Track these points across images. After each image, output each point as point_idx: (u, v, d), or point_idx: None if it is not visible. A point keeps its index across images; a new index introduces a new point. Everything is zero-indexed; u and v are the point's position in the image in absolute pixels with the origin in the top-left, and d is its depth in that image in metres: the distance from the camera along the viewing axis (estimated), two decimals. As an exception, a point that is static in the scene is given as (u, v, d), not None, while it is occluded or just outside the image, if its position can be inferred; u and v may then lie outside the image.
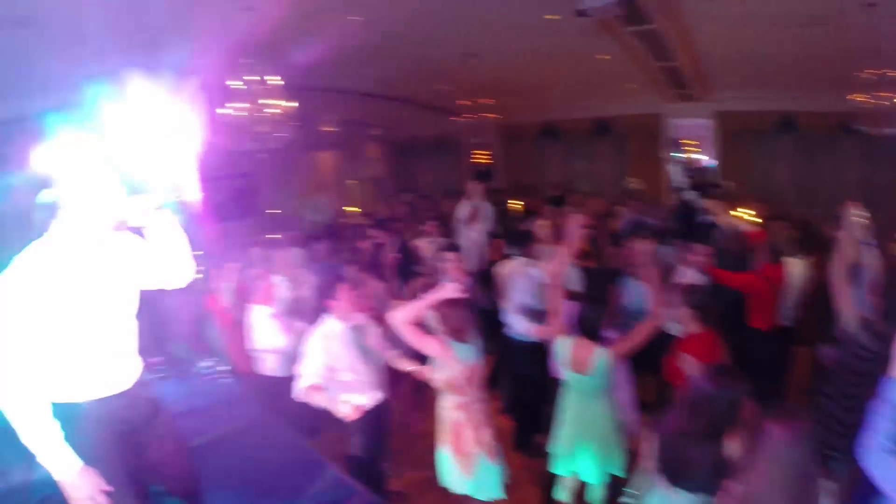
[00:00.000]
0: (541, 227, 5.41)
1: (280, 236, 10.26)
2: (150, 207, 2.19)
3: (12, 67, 5.82)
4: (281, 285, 4.75)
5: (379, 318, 3.77)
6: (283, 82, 6.79)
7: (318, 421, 4.26)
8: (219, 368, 4.97)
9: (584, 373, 3.31)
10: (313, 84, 8.06)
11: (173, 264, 2.33)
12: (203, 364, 5.17)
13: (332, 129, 10.50)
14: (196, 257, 2.38)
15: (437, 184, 11.56)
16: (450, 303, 3.15)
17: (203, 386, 4.50)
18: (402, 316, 3.11)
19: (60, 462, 2.00)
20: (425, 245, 6.27)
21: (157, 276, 2.35)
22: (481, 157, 12.10)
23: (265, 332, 4.50)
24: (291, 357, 4.18)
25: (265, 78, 6.81)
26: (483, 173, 10.81)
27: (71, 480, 2.01)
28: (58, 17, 4.95)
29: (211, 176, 8.08)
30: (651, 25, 5.49)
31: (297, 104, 7.04)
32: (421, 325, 3.20)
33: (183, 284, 2.43)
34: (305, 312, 4.43)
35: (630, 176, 9.75)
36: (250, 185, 10.26)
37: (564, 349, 3.39)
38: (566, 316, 3.51)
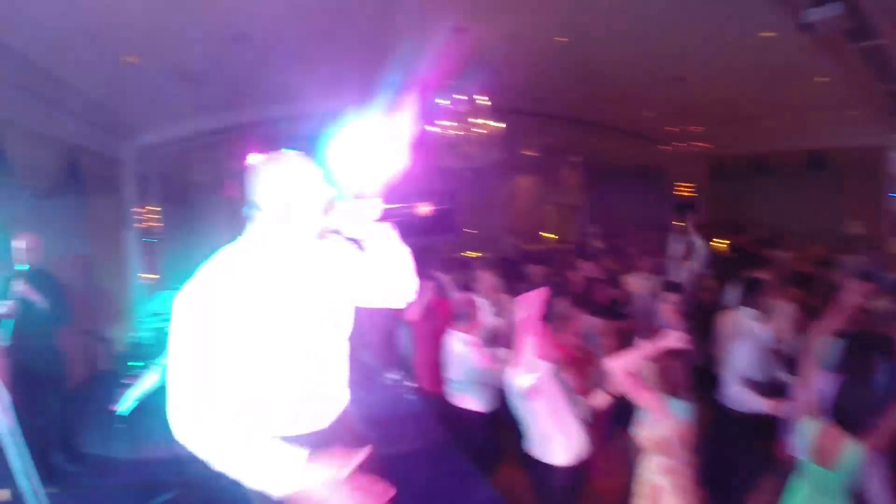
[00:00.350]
0: (769, 274, 4.60)
1: (479, 255, 10.44)
2: (367, 216, 1.89)
3: (229, 80, 6.43)
4: (483, 309, 4.54)
5: (584, 357, 3.42)
6: (489, 103, 6.77)
7: (497, 458, 4.03)
8: (406, 383, 4.94)
9: (828, 467, 2.63)
10: (518, 106, 8.01)
11: (393, 281, 2.02)
12: (390, 375, 5.18)
13: (533, 152, 10.34)
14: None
15: (636, 215, 10.89)
16: (671, 354, 2.84)
17: (386, 398, 4.48)
18: (622, 364, 2.87)
19: (284, 477, 1.61)
20: (638, 282, 5.75)
21: (374, 293, 2.04)
22: (685, 189, 11.21)
23: (462, 360, 4.10)
24: (487, 389, 3.99)
25: (474, 97, 6.85)
26: (687, 206, 9.93)
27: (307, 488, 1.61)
28: (273, 34, 5.35)
29: (415, 191, 8.31)
30: (879, 41, 4.81)
31: (503, 125, 6.97)
32: (637, 375, 2.90)
33: (402, 304, 2.13)
34: (506, 340, 4.05)
35: (849, 217, 8.48)
36: (451, 203, 10.44)
37: (807, 433, 2.73)
38: (815, 392, 2.87)
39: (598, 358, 3.57)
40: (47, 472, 3.44)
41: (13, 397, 2.67)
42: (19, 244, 4.28)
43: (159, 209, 8.03)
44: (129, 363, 5.16)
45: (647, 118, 9.21)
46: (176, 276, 2.29)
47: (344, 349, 1.95)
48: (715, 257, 7.09)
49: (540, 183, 11.43)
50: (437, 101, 6.97)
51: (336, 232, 1.90)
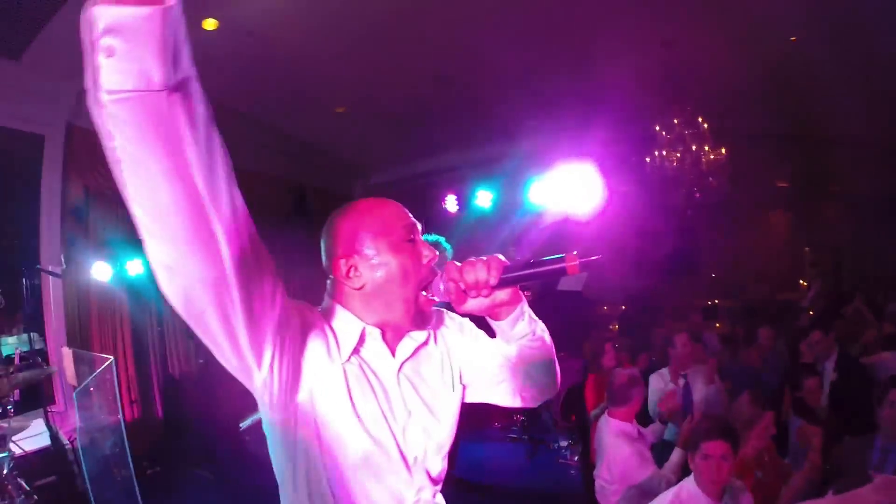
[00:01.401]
0: None
1: (716, 303, 9.46)
2: (488, 280, 1.28)
3: (440, 122, 6.94)
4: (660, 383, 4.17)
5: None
6: (712, 126, 6.24)
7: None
8: (574, 456, 4.54)
9: None
10: (756, 129, 7.22)
11: (528, 380, 1.52)
12: (562, 444, 4.83)
13: (783, 183, 9.12)
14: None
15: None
16: None
17: (549, 467, 4.14)
18: None
19: None
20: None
21: (495, 390, 1.55)
22: None
23: (610, 455, 3.32)
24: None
25: (699, 121, 6.40)
26: None
27: None
28: (477, 76, 5.64)
29: (639, 230, 7.95)
30: None
31: (723, 151, 6.34)
32: None
33: (534, 404, 1.61)
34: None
35: None
36: (686, 243, 9.68)
37: None
38: None
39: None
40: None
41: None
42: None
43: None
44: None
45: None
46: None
47: (445, 450, 1.42)
48: None
49: (794, 219, 9.99)
50: (656, 128, 6.67)
51: (444, 306, 1.44)
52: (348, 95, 6.53)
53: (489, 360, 1.51)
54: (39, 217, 5.71)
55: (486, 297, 1.31)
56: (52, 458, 4.40)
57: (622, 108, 5.91)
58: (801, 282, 9.79)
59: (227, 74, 5.55)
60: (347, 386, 1.25)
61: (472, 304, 1.33)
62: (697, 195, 7.28)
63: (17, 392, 4.15)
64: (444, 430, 1.40)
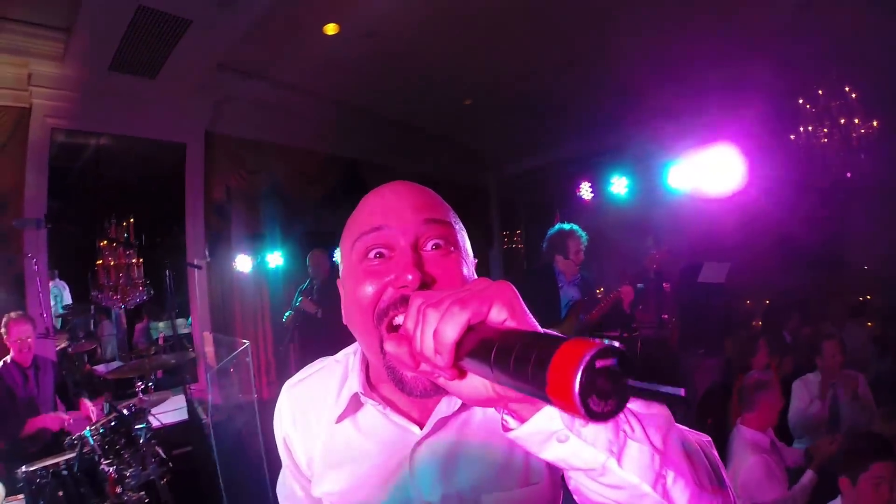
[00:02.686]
0: None
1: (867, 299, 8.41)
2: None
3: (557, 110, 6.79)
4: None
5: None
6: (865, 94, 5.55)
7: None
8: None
9: None
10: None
11: None
12: None
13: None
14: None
15: None
16: None
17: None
18: None
19: None
20: None
21: None
22: None
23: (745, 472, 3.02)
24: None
25: (847, 90, 5.72)
26: None
27: None
28: (610, 60, 5.44)
29: (783, 217, 7.28)
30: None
31: (875, 123, 5.62)
32: None
33: None
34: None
35: None
36: (838, 229, 8.68)
37: None
38: None
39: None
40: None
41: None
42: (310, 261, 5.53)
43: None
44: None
45: None
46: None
47: None
48: None
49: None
50: (800, 101, 6.05)
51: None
52: (475, 87, 6.57)
53: None
54: (185, 216, 6.28)
55: (448, 378, 0.66)
56: (189, 430, 4.83)
57: (763, 84, 5.43)
58: None
59: (351, 73, 5.77)
60: None
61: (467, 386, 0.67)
62: (848, 176, 6.52)
63: (160, 371, 4.57)
64: None
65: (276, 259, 6.63)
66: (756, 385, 3.12)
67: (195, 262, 5.91)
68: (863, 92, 5.58)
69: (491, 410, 0.93)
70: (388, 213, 0.92)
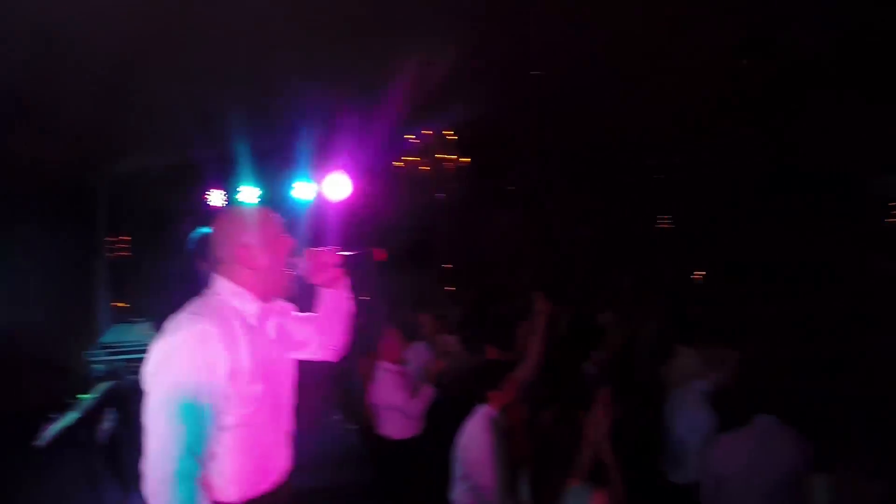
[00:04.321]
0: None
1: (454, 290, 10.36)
2: (326, 263, 1.92)
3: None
4: (420, 349, 4.71)
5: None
6: (456, 137, 6.81)
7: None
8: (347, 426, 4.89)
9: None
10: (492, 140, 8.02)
11: (331, 336, 2.06)
12: (334, 418, 5.13)
13: (512, 187, 10.36)
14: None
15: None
16: None
17: (327, 440, 4.43)
18: None
19: None
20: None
21: (308, 347, 2.03)
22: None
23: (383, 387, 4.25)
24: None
25: (443, 132, 6.91)
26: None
27: None
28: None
29: (389, 226, 8.17)
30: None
31: (469, 159, 7.00)
32: None
33: (334, 359, 2.15)
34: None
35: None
36: (428, 239, 10.39)
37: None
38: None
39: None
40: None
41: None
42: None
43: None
44: (78, 395, 5.11)
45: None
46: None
47: (292, 402, 1.91)
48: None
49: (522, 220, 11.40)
50: (404, 136, 7.04)
51: (299, 278, 1.90)
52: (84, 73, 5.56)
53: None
54: None
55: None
56: None
57: (381, 116, 6.09)
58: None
59: None
60: None
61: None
62: (440, 196, 7.91)
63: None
64: None
65: None
66: None
67: None
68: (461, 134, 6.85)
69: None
70: None
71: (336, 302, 2.03)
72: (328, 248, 1.92)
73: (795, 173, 8.04)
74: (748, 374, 3.37)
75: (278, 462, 1.81)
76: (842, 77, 5.56)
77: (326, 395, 5.02)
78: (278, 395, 1.81)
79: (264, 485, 1.73)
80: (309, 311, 2.06)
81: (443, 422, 3.55)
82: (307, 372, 2.05)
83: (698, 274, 10.37)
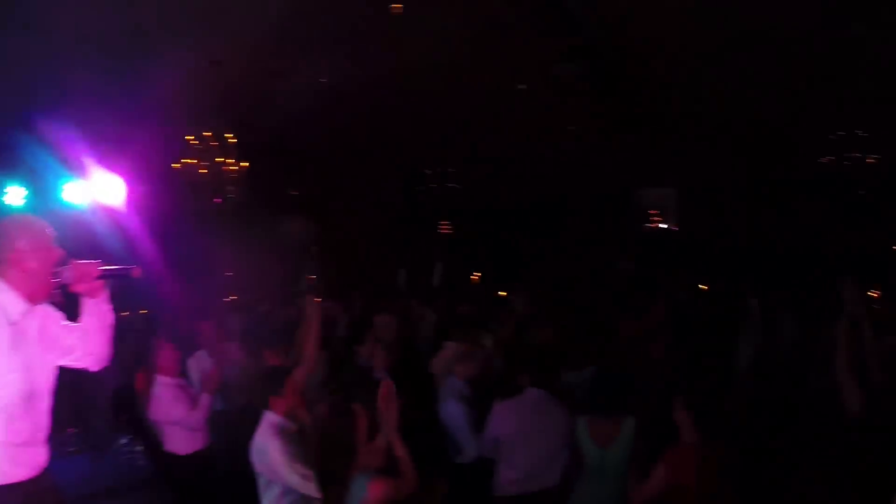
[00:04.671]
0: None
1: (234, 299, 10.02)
2: (88, 275, 2.05)
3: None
4: (201, 358, 4.66)
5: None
6: (236, 141, 6.76)
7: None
8: (136, 448, 4.68)
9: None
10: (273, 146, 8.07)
11: (92, 345, 2.15)
12: (121, 442, 4.87)
13: (293, 192, 10.43)
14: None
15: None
16: None
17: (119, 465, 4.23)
18: None
19: None
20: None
21: (72, 354, 2.15)
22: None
23: (163, 403, 4.11)
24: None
25: (225, 136, 6.82)
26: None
27: None
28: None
29: (168, 232, 7.71)
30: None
31: (247, 164, 6.97)
32: None
33: (96, 368, 2.23)
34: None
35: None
36: (208, 244, 9.97)
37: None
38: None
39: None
40: None
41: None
42: None
43: None
44: None
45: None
46: None
47: (49, 402, 2.10)
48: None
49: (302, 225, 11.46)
50: (185, 138, 6.80)
51: (64, 287, 2.06)
52: None
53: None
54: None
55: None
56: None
57: (159, 117, 5.83)
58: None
59: None
60: None
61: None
62: (217, 201, 7.72)
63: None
64: None
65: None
66: None
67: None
68: (243, 138, 6.80)
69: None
70: None
71: (96, 312, 2.13)
72: (90, 261, 2.06)
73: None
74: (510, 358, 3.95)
75: (36, 457, 2.03)
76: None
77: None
78: (34, 390, 2.01)
79: (21, 474, 1.96)
80: (75, 320, 2.17)
81: (234, 432, 3.55)
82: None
83: (476, 275, 11.44)
